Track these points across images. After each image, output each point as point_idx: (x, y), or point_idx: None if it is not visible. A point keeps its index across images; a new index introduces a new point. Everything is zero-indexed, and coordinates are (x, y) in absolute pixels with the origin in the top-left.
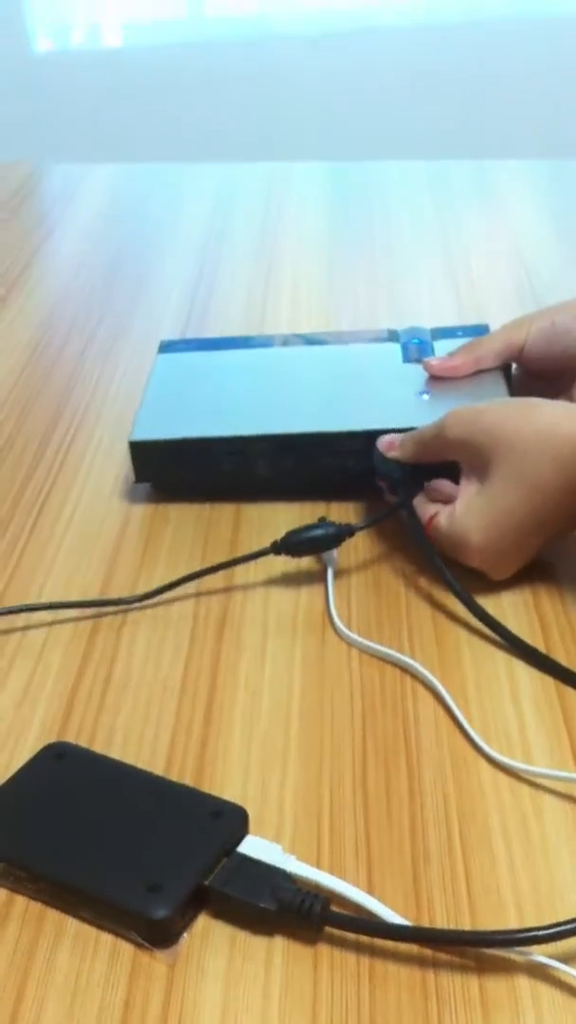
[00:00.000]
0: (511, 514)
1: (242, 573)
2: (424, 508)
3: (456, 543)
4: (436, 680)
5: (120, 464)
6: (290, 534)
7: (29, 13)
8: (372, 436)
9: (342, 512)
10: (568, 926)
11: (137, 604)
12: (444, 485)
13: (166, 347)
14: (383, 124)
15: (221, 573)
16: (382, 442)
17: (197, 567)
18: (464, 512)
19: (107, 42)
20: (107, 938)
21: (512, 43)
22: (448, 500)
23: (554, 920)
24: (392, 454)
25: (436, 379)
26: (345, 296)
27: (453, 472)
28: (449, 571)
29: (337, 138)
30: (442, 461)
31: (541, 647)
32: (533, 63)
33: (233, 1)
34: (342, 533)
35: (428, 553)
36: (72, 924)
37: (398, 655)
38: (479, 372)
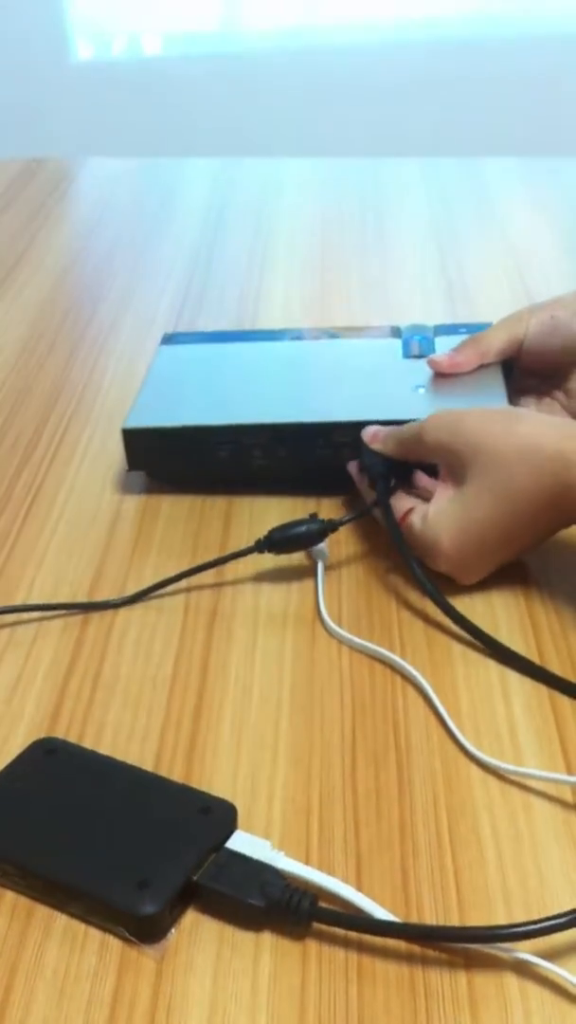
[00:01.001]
0: (484, 522)
1: (232, 568)
2: (401, 502)
3: (426, 546)
4: (423, 679)
5: (112, 457)
6: (274, 531)
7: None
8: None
9: (333, 506)
10: (555, 922)
11: (125, 607)
12: (425, 480)
13: (168, 339)
14: (376, 121)
15: (211, 568)
16: (366, 432)
17: (188, 562)
18: (437, 516)
19: (148, 51)
20: (96, 932)
21: (505, 39)
22: (427, 495)
23: (541, 916)
24: (375, 446)
25: (438, 375)
26: (338, 291)
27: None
28: (426, 575)
29: (330, 134)
30: (419, 462)
31: (532, 647)
32: (526, 60)
33: None
34: (325, 529)
35: (404, 557)
36: (61, 918)
37: (387, 653)
38: (478, 368)
